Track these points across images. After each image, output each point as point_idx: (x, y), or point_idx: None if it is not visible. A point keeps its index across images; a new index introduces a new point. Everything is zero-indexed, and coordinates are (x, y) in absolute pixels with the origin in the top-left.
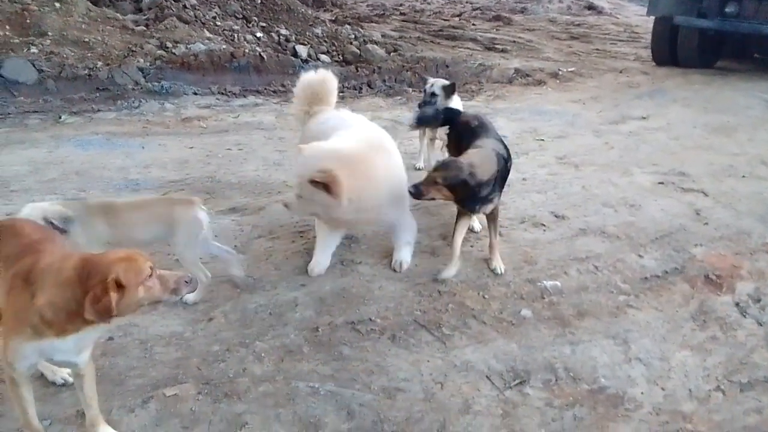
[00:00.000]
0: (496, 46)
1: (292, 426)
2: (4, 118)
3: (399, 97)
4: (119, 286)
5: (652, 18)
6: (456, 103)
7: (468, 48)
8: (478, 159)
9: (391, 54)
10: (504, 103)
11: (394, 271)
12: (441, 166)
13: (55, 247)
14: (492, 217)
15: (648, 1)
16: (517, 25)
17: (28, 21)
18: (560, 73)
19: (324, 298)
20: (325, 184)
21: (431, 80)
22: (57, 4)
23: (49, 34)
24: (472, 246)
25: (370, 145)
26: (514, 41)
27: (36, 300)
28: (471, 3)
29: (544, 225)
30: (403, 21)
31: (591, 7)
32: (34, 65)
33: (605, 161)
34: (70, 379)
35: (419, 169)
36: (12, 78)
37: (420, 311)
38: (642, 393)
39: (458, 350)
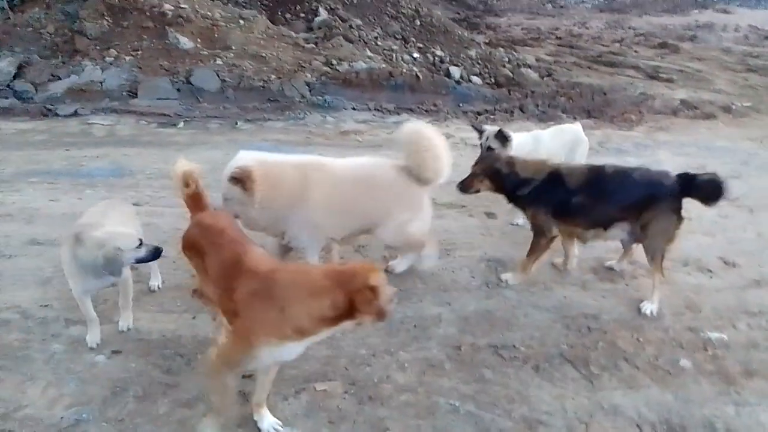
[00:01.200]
0: (661, 74)
1: None
2: (190, 121)
3: (552, 122)
4: (375, 291)
5: None
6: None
7: (628, 75)
8: (524, 158)
9: (545, 78)
10: (667, 135)
11: None
12: (480, 158)
13: (253, 250)
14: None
15: None
16: (686, 54)
17: (216, 35)
18: (734, 107)
19: (468, 317)
20: (240, 180)
21: (487, 130)
22: (241, 21)
23: (233, 48)
24: (627, 284)
25: (299, 162)
26: (681, 70)
27: (289, 311)
28: (633, 29)
29: (710, 270)
30: (558, 45)
31: None
32: (218, 75)
33: None
34: None
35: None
36: (199, 86)
37: (567, 345)
38: None
39: (606, 392)
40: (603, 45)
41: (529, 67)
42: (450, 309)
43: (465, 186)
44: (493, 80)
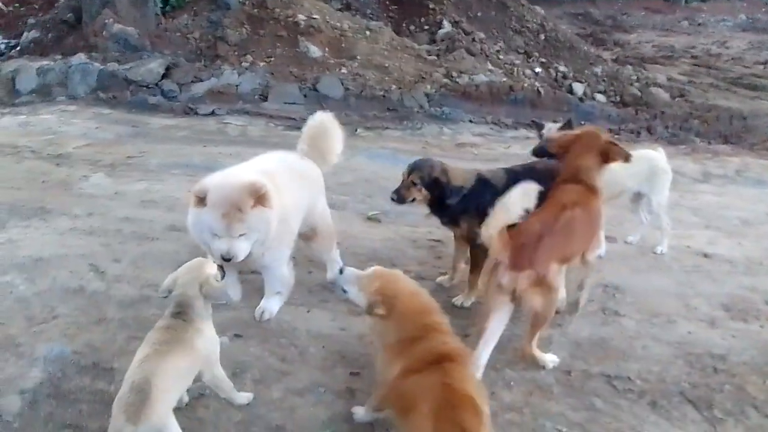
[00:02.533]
0: None
1: None
2: None
3: (683, 146)
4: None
5: None
6: None
7: None
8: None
9: (677, 99)
10: None
11: (255, 318)
12: (415, 166)
13: None
14: None
15: None
16: None
17: (343, 45)
18: None
19: (580, 343)
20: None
21: (547, 126)
22: (368, 32)
23: (358, 57)
24: (761, 326)
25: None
26: None
27: None
28: None
29: None
30: (693, 65)
31: None
32: (342, 83)
33: None
34: None
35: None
36: (324, 92)
37: (689, 384)
38: None
39: None
40: (744, 66)
41: (660, 86)
42: (561, 332)
43: (401, 197)
44: (618, 99)
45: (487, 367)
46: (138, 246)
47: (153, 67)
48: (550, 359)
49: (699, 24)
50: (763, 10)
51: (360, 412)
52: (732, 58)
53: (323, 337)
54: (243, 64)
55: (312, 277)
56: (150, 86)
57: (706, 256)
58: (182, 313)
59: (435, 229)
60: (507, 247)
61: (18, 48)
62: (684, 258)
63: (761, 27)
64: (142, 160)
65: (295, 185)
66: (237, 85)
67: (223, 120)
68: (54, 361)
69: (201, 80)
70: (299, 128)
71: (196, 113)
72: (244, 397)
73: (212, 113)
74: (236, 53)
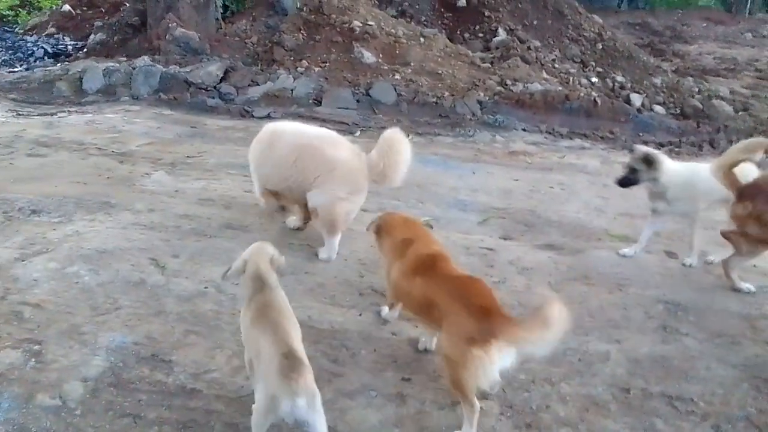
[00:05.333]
0: None
1: None
2: (365, 130)
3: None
4: None
5: None
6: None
7: None
8: None
9: (740, 113)
10: None
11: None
12: None
13: None
14: None
15: None
16: None
17: (397, 51)
18: None
19: (639, 360)
20: None
21: (636, 150)
22: (422, 39)
23: (411, 64)
24: None
25: None
26: None
27: None
28: None
29: None
30: (758, 78)
31: None
32: (395, 89)
33: None
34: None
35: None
36: (377, 98)
37: (755, 409)
38: None
39: None
40: None
41: (722, 99)
42: (619, 348)
43: None
44: (678, 111)
45: (541, 381)
46: (196, 242)
47: (212, 70)
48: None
49: (763, 36)
50: None
51: (384, 310)
52: None
53: (374, 340)
54: (298, 68)
55: (363, 280)
56: (209, 89)
57: None
58: (266, 286)
59: (487, 237)
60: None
61: (85, 49)
62: (749, 278)
63: None
64: (201, 160)
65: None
66: (292, 89)
67: None
68: (115, 351)
69: (257, 84)
70: (352, 132)
71: (252, 116)
72: None
73: (268, 116)
74: (292, 58)
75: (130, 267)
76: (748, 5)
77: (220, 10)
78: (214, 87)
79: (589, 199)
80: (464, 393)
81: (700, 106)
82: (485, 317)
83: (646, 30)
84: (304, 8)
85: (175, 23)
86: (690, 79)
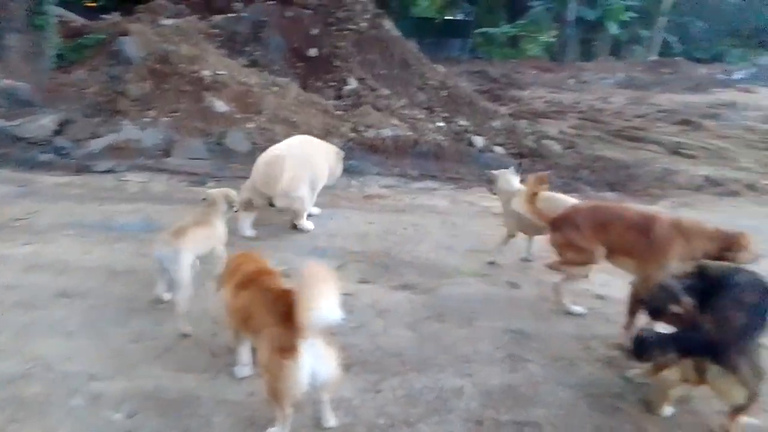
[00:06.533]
0: (683, 150)
1: None
2: (219, 180)
3: (575, 194)
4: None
5: None
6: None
7: (651, 150)
8: None
9: (567, 150)
10: (692, 211)
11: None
12: None
13: None
14: None
15: None
16: (708, 131)
17: (250, 100)
18: (759, 185)
19: (491, 391)
20: None
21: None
22: (275, 88)
23: (265, 112)
24: None
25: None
26: (704, 147)
27: None
28: (656, 105)
29: None
30: (580, 119)
31: None
32: (249, 138)
33: None
34: None
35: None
36: (231, 147)
37: (593, 426)
38: None
39: None
40: (625, 120)
41: (552, 138)
42: (472, 381)
43: None
44: (516, 150)
45: (399, 422)
46: (22, 316)
47: (45, 122)
48: None
49: (584, 82)
50: (638, 69)
51: (239, 370)
52: (614, 113)
53: (229, 404)
54: (145, 119)
55: (215, 339)
56: (41, 143)
57: (600, 297)
58: (211, 204)
59: (346, 282)
60: None
61: None
62: (582, 301)
63: (639, 84)
64: (30, 222)
65: None
66: (138, 141)
67: (123, 177)
68: None
69: (99, 136)
70: (204, 183)
71: (92, 170)
72: None
73: (110, 170)
74: (138, 108)
75: None
76: (567, 55)
77: (54, 60)
78: (48, 141)
79: (440, 238)
80: (281, 404)
81: (534, 145)
82: (289, 322)
83: (485, 78)
84: (150, 57)
85: (1, 74)
86: (524, 121)
